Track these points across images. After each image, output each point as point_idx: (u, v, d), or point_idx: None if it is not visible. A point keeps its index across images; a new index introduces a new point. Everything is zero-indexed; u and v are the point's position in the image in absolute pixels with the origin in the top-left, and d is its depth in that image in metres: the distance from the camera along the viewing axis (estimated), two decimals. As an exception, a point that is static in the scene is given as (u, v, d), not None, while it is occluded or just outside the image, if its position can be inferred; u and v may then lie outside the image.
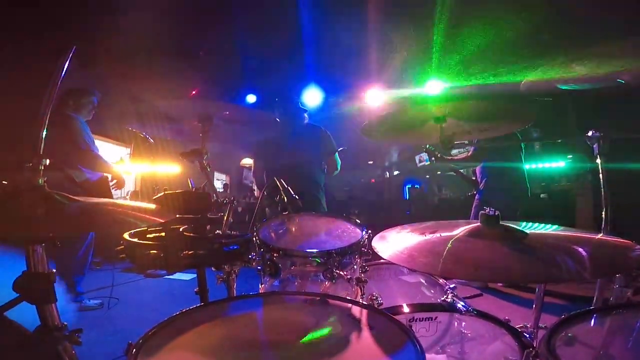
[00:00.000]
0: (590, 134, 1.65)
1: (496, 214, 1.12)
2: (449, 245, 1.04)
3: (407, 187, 8.28)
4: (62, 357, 1.19)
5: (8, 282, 1.16)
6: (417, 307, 1.47)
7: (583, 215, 5.54)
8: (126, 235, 1.17)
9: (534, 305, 1.50)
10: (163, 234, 1.16)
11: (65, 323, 1.23)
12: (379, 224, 1.52)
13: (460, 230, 1.14)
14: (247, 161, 7.82)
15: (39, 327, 1.19)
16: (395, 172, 9.08)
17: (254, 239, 1.38)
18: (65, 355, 1.20)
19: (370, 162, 9.43)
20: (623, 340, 1.10)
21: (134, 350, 0.83)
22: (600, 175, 1.70)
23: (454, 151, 4.47)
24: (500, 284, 4.13)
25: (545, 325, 1.40)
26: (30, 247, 1.03)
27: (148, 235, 1.23)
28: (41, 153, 1.02)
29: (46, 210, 0.91)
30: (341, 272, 1.39)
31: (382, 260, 2.05)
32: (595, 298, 1.73)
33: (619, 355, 1.07)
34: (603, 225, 1.66)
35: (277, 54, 5.40)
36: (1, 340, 1.18)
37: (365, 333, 1.00)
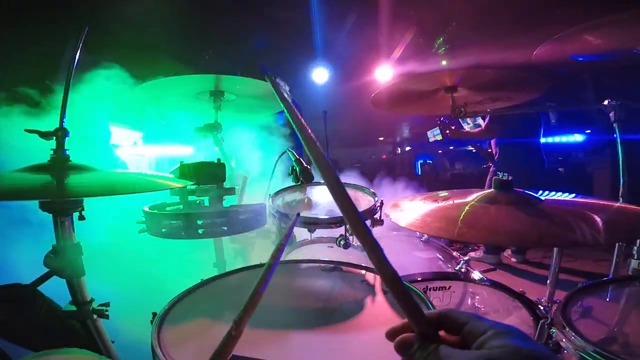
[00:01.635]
0: (606, 102, 1.61)
1: (509, 179, 1.11)
2: (467, 207, 1.04)
3: (419, 162, 8.22)
4: (91, 330, 1.25)
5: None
6: (431, 276, 1.49)
7: (600, 188, 5.45)
8: (146, 208, 1.21)
9: (548, 281, 1.50)
10: (181, 206, 1.20)
11: (93, 298, 1.29)
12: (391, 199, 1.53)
13: (474, 197, 1.14)
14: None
15: (69, 302, 1.25)
16: (407, 148, 9.01)
17: (269, 208, 1.40)
18: (94, 328, 1.26)
19: (381, 139, 9.35)
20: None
21: (159, 319, 0.87)
22: (618, 143, 1.66)
23: (467, 126, 4.38)
24: (514, 260, 4.13)
25: (560, 300, 1.41)
26: (58, 219, 1.07)
27: (167, 208, 1.27)
28: (64, 126, 1.06)
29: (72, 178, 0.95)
30: (354, 242, 1.41)
31: (394, 233, 2.08)
32: (611, 274, 1.72)
33: (633, 331, 1.07)
34: (621, 193, 1.64)
35: (284, 31, 5.32)
36: (35, 315, 1.23)
37: (380, 297, 1.02)
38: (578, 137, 6.19)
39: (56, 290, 1.30)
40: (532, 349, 0.38)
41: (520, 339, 0.40)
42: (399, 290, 0.44)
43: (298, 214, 0.75)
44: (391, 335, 0.47)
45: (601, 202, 1.18)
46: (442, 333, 0.46)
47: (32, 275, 1.26)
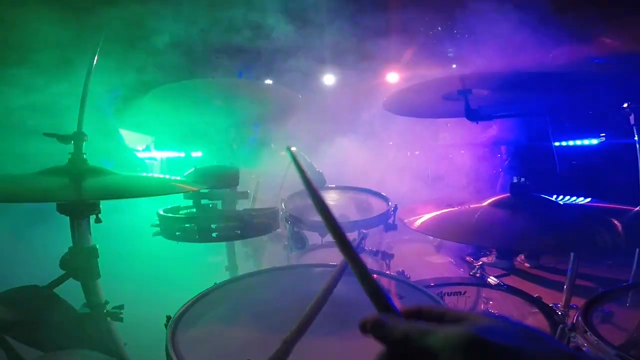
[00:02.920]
0: (625, 105, 1.58)
1: (527, 183, 1.09)
2: (482, 212, 1.03)
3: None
4: (104, 333, 1.26)
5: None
6: (446, 281, 1.47)
7: (616, 193, 5.33)
8: (160, 211, 1.22)
9: (565, 286, 1.46)
10: (194, 209, 1.20)
11: (108, 300, 1.30)
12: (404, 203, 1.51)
13: (489, 201, 1.12)
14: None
15: (83, 304, 1.26)
16: (416, 152, 8.94)
17: (281, 212, 1.40)
18: (107, 330, 1.26)
19: (391, 143, 9.30)
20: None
21: (174, 322, 0.87)
22: (637, 147, 1.63)
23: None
24: (528, 265, 4.05)
25: (576, 306, 1.37)
26: (75, 221, 1.08)
27: (181, 212, 1.28)
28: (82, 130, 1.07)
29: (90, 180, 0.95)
30: (367, 247, 1.40)
31: (407, 237, 2.06)
32: (631, 279, 1.67)
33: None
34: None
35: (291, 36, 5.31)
36: (50, 317, 1.24)
37: (395, 302, 1.01)
38: (593, 141, 6.07)
39: (71, 292, 1.31)
40: (524, 326, 0.37)
41: (507, 319, 0.38)
42: (367, 282, 0.40)
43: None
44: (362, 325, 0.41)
45: (619, 206, 1.15)
46: None
47: (48, 276, 1.27)
